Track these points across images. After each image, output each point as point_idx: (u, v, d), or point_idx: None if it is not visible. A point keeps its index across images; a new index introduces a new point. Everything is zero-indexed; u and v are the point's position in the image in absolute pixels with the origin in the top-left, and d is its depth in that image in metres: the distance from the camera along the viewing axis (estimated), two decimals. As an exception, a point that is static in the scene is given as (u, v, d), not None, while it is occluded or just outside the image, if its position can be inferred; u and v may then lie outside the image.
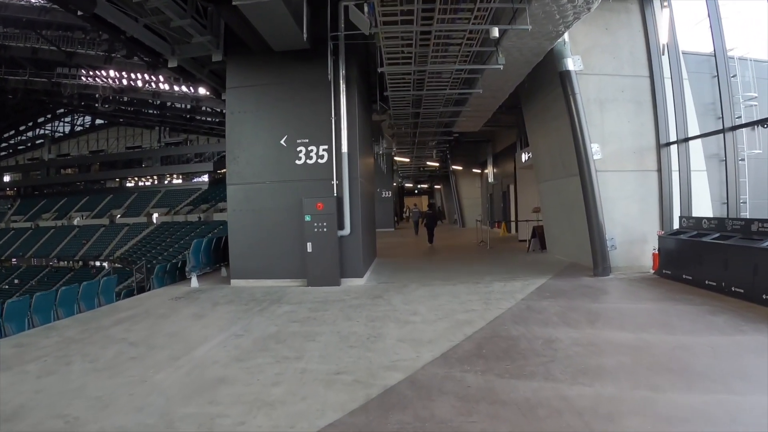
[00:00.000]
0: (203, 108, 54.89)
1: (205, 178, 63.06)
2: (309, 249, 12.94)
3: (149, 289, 14.41)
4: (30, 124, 74.67)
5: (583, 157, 13.51)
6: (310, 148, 13.33)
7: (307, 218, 12.94)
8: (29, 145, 76.18)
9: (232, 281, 13.63)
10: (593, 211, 13.46)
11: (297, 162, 13.37)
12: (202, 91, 44.12)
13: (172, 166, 65.61)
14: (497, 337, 7.71)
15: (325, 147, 13.27)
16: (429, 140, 25.75)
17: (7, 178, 75.23)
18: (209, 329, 8.84)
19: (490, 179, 34.89)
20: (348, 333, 8.18)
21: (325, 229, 12.90)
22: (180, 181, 65.37)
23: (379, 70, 12.57)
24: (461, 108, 17.52)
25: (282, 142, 13.41)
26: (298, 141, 13.35)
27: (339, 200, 13.10)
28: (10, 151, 77.39)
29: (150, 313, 10.45)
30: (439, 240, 26.81)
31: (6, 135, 75.97)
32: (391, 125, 21.24)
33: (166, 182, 66.23)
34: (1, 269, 57.92)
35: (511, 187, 29.59)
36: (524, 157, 23.20)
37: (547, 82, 15.44)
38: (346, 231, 13.21)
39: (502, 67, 12.00)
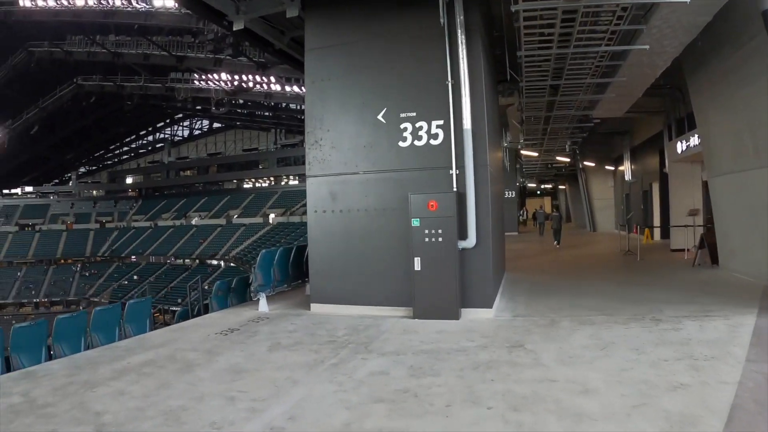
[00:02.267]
0: None
1: None
2: (417, 266, 9.01)
3: (206, 312, 11.23)
4: (150, 128, 79.28)
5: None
6: (418, 125, 9.45)
7: (415, 223, 9.04)
8: (150, 148, 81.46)
9: (312, 306, 10.13)
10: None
11: (401, 144, 9.54)
12: None
13: (288, 167, 66.74)
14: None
15: (440, 123, 9.34)
16: (564, 129, 21.63)
17: (129, 180, 79.30)
18: (237, 406, 5.31)
19: (627, 177, 29.73)
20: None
21: (440, 239, 8.93)
22: (296, 182, 65.51)
23: (518, 53, 10.17)
24: (610, 80, 13.27)
25: (380, 117, 9.64)
26: (402, 115, 9.52)
27: (460, 197, 9.10)
28: (132, 154, 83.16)
29: (175, 358, 7.16)
30: (571, 246, 23.41)
31: (128, 139, 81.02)
32: (521, 109, 17.16)
33: (282, 183, 67.38)
34: (122, 266, 60.92)
35: (655, 186, 25.09)
36: (680, 146, 18.38)
37: (736, 34, 10.97)
38: (471, 242, 9.12)
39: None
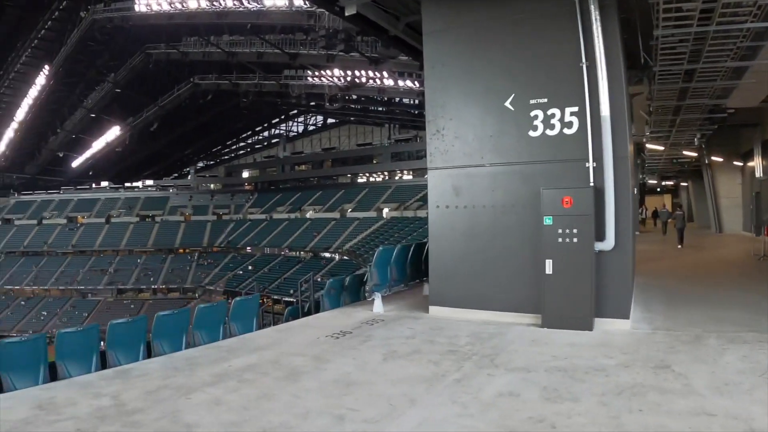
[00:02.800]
0: None
1: None
2: (548, 269, 8.09)
3: (317, 311, 10.73)
4: (265, 124, 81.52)
5: None
6: (550, 112, 8.48)
7: (548, 221, 8.13)
8: (266, 144, 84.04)
9: (431, 309, 9.38)
10: None
11: (531, 134, 8.60)
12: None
13: (402, 162, 66.05)
14: None
15: (574, 109, 8.32)
16: (694, 121, 19.88)
17: (245, 174, 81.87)
18: (345, 428, 4.68)
19: (758, 173, 26.87)
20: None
21: (575, 239, 7.97)
22: (410, 177, 65.09)
23: (655, 33, 9.15)
24: (751, 63, 11.70)
25: (507, 104, 8.74)
26: (532, 102, 8.56)
27: (598, 193, 8.11)
28: (248, 149, 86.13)
29: (279, 363, 6.64)
30: (696, 248, 21.85)
31: (244, 135, 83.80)
32: (650, 98, 15.87)
33: (396, 178, 66.64)
34: (237, 256, 62.53)
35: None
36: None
37: None
38: (609, 243, 8.07)
39: None
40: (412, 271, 11.53)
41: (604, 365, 6.23)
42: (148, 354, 7.39)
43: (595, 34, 8.05)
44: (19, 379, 6.18)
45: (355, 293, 11.14)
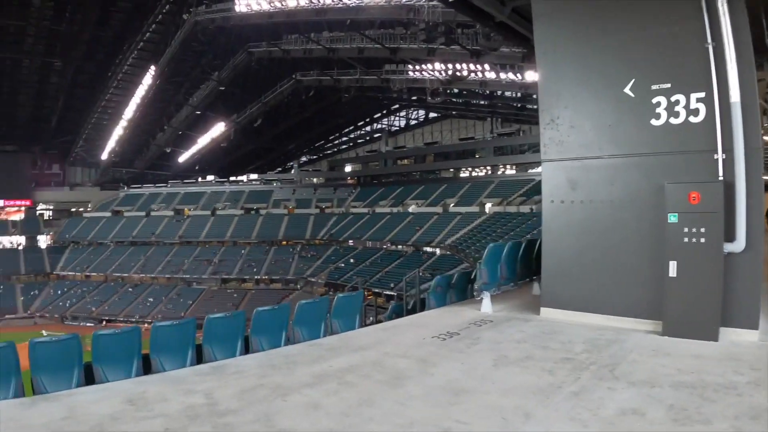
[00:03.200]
0: (533, 96, 52.29)
1: (539, 168, 59.24)
2: (672, 272, 7.35)
3: (421, 309, 10.37)
4: (367, 119, 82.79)
5: None
6: (674, 99, 7.73)
7: (673, 219, 7.37)
8: (368, 138, 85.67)
9: (542, 310, 8.85)
10: None
11: (654, 122, 7.86)
12: (530, 77, 41.93)
13: (504, 157, 65.35)
14: None
15: (700, 95, 7.54)
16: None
17: (348, 169, 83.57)
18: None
19: None
20: None
21: (702, 239, 7.20)
22: (513, 171, 64.39)
23: None
24: None
25: (627, 90, 8.06)
26: (654, 87, 7.84)
27: (727, 189, 7.35)
28: (351, 144, 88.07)
29: (382, 365, 6.33)
30: None
31: (346, 130, 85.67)
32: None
33: (499, 173, 65.96)
34: (339, 249, 63.80)
35: None
36: None
37: None
38: (739, 245, 7.24)
39: None
40: (521, 269, 10.96)
41: (735, 382, 5.57)
42: (246, 350, 7.28)
43: (721, 11, 7.29)
44: (111, 371, 6.17)
45: (462, 291, 10.72)
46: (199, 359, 6.83)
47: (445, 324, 8.31)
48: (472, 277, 10.66)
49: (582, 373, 5.93)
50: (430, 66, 47.08)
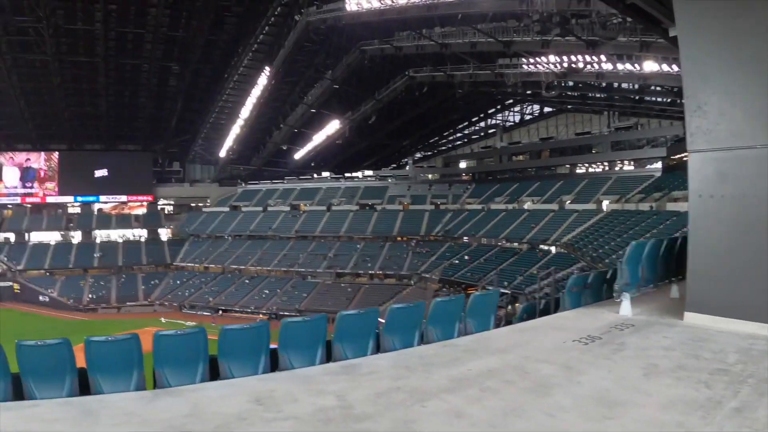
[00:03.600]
0: (652, 87, 50.56)
1: (658, 164, 58.51)
2: None
3: (556, 310, 9.79)
4: (481, 115, 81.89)
5: None
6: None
7: None
8: (482, 134, 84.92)
9: (686, 315, 7.99)
10: None
11: (816, 108, 7.02)
12: (648, 67, 40.27)
13: (622, 152, 63.45)
14: None
15: None
16: None
17: (463, 165, 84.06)
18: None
19: None
20: None
21: None
22: (631, 167, 62.33)
23: None
24: None
25: (785, 72, 7.24)
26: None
27: None
28: (465, 140, 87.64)
29: (524, 370, 5.86)
30: None
31: (460, 126, 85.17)
32: None
33: (616, 168, 64.06)
34: (454, 246, 63.95)
35: None
36: None
37: None
38: None
39: None
40: (662, 270, 10.18)
41: None
42: (377, 348, 7.02)
43: None
44: (237, 367, 6.06)
45: (597, 292, 10.04)
46: (328, 357, 6.64)
47: (584, 327, 7.73)
48: (607, 277, 10.00)
49: (741, 388, 5.26)
50: (544, 59, 45.76)
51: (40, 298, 65.21)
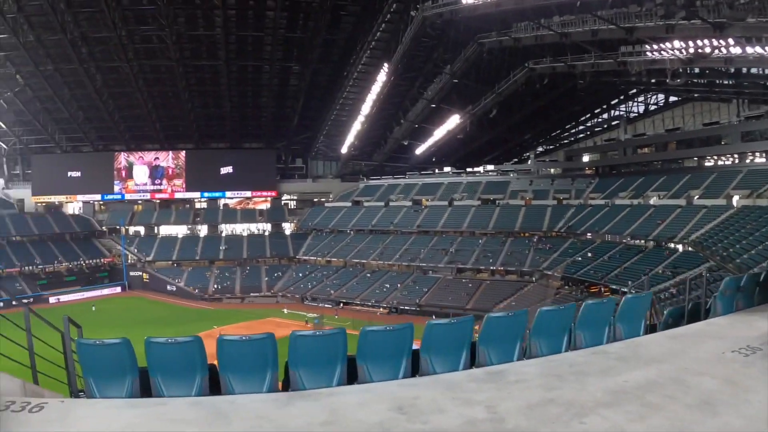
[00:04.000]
0: None
1: None
2: None
3: (706, 315, 8.90)
4: (604, 106, 79.98)
5: None
6: None
7: None
8: (605, 126, 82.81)
9: None
10: None
11: None
12: None
13: (753, 143, 58.83)
14: None
15: None
16: None
17: (585, 158, 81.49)
18: None
19: None
20: None
21: None
22: (763, 159, 57.98)
23: None
24: None
25: None
26: None
27: None
28: (588, 133, 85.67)
29: (685, 384, 5.17)
30: None
31: (582, 118, 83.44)
32: None
33: (747, 161, 59.72)
34: (577, 242, 62.34)
35: None
36: None
37: None
38: None
39: None
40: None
41: None
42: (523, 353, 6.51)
43: None
44: (377, 370, 5.72)
45: (749, 296, 9.15)
46: (471, 361, 6.24)
47: (740, 335, 6.88)
48: (760, 279, 9.10)
49: None
50: (669, 44, 43.24)
51: (168, 287, 70.27)
